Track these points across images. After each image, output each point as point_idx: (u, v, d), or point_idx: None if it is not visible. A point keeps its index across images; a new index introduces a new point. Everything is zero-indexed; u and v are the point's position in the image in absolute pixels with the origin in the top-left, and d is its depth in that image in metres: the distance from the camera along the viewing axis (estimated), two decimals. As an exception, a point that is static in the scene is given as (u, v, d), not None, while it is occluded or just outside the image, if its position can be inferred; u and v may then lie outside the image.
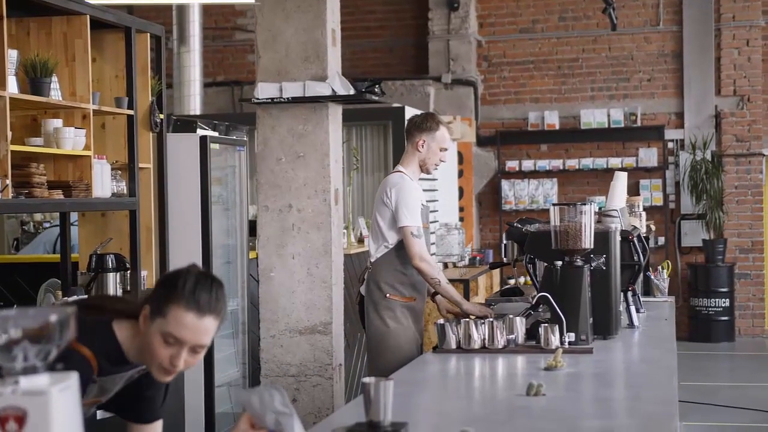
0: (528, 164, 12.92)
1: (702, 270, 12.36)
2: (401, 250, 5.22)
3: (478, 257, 10.80)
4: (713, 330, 12.26)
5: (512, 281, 10.62)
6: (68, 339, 1.83)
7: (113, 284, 5.53)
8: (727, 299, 12.27)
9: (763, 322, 12.68)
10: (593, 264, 4.51)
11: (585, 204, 4.46)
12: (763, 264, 12.67)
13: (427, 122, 5.41)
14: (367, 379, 2.76)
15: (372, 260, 5.41)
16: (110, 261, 5.55)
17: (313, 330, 5.56)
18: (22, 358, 1.81)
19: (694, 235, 12.62)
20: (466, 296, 9.02)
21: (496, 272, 10.92)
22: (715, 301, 12.24)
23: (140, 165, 5.86)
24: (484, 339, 4.28)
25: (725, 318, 12.28)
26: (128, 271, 5.72)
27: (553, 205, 4.50)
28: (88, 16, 5.32)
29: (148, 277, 5.99)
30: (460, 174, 12.43)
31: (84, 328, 2.69)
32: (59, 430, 1.78)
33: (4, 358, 1.81)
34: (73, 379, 1.83)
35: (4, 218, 8.87)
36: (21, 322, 1.81)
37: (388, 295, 5.30)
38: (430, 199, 10.21)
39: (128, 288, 5.73)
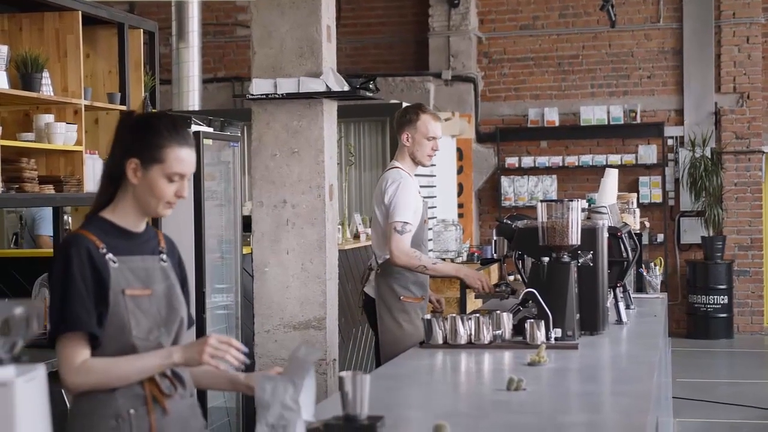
0: (528, 161, 12.92)
1: (701, 267, 12.36)
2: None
3: (476, 253, 10.77)
4: (712, 327, 12.27)
5: (511, 278, 10.58)
6: (33, 333, 1.85)
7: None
8: (726, 296, 12.27)
9: (761, 319, 12.69)
10: (580, 260, 4.52)
11: (572, 201, 4.46)
12: (762, 261, 12.68)
13: (406, 115, 5.37)
14: (343, 374, 2.79)
15: (379, 261, 5.35)
16: (102, 256, 5.55)
17: (307, 325, 5.57)
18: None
19: (693, 232, 12.63)
20: (463, 291, 9.00)
21: (495, 268, 10.91)
22: (714, 298, 12.24)
23: (133, 160, 5.87)
24: (471, 334, 4.29)
25: (724, 315, 12.29)
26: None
27: (541, 201, 4.51)
28: (80, 12, 5.34)
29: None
30: (460, 170, 12.45)
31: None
32: (24, 422, 1.80)
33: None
34: (39, 370, 1.86)
35: (4, 213, 8.88)
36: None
37: (402, 297, 5.27)
38: (428, 195, 10.24)
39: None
